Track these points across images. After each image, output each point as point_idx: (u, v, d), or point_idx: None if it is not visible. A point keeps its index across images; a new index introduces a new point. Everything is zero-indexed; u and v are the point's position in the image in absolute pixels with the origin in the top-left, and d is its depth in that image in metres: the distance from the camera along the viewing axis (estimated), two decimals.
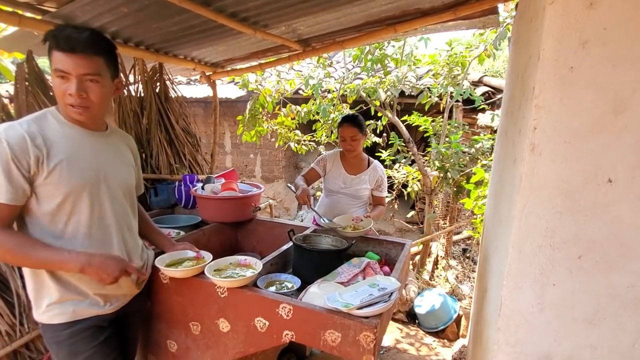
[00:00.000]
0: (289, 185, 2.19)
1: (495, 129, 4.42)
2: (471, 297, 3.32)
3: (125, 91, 2.53)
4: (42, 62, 2.00)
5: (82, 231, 1.21)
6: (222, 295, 1.41)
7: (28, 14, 1.73)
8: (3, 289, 1.75)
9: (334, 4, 1.78)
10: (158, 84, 2.73)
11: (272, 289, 1.52)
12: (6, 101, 1.88)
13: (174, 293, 1.53)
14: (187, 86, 6.63)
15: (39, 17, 1.75)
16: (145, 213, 1.65)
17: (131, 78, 2.60)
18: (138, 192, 1.56)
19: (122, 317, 1.39)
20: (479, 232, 2.81)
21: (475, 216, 2.98)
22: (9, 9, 1.64)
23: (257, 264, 1.51)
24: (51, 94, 2.01)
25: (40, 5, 1.74)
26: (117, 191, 1.31)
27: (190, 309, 1.51)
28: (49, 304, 1.20)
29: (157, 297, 1.59)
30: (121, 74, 1.80)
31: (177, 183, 2.56)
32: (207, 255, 1.56)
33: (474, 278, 3.82)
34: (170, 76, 2.85)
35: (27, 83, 1.86)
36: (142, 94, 2.64)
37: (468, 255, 4.38)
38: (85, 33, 1.09)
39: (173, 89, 2.84)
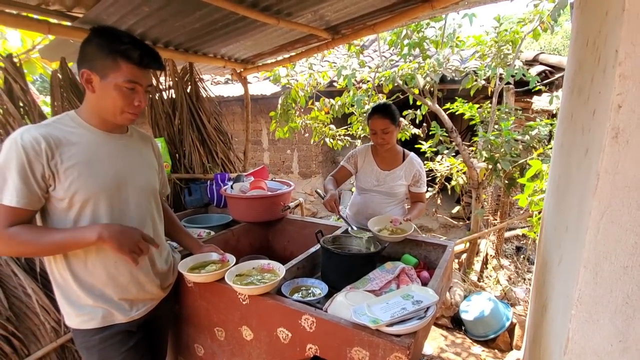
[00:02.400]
0: (317, 191, 2.02)
1: (554, 112, 3.94)
2: (526, 302, 2.98)
3: (157, 93, 2.56)
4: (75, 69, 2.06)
5: None
6: (244, 302, 1.34)
7: (58, 22, 1.76)
8: (48, 287, 1.84)
9: None
10: (189, 84, 2.74)
11: (298, 295, 1.41)
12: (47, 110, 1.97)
13: (199, 297, 1.49)
14: (225, 85, 6.76)
15: (68, 24, 1.78)
16: (173, 213, 1.63)
17: (162, 80, 2.63)
18: (164, 193, 1.53)
19: (151, 321, 1.38)
20: (535, 232, 2.49)
21: (531, 212, 2.65)
22: (39, 17, 1.68)
23: (280, 269, 1.41)
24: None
25: (69, 12, 1.77)
26: (140, 195, 1.28)
27: (214, 314, 1.46)
28: (77, 309, 1.20)
29: (183, 300, 1.57)
30: None
31: (209, 182, 2.56)
32: (232, 259, 1.49)
33: (529, 280, 3.44)
34: (201, 76, 2.85)
35: (61, 89, 1.92)
36: (174, 95, 2.66)
37: (523, 254, 3.96)
38: (154, 50, 1.18)
39: (204, 88, 2.84)
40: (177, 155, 2.69)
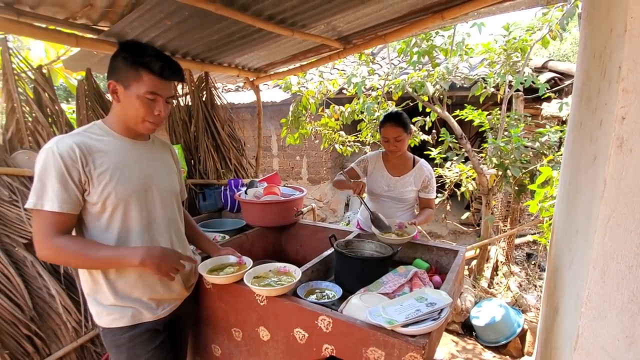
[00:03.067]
0: (341, 173, 2.09)
1: (564, 119, 3.94)
2: (538, 309, 2.97)
3: (174, 101, 2.65)
4: (100, 80, 2.16)
5: (133, 238, 1.26)
6: (262, 304, 1.38)
7: (85, 35, 1.86)
8: (70, 288, 1.91)
9: None
10: (204, 92, 2.83)
11: (313, 297, 1.46)
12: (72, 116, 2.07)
13: (217, 299, 1.54)
14: (236, 93, 6.88)
15: (94, 37, 1.88)
16: (191, 218, 1.69)
17: (179, 89, 2.72)
18: (182, 197, 1.60)
19: (174, 320, 1.43)
20: (546, 238, 2.49)
21: (541, 219, 2.65)
22: (68, 30, 1.78)
23: (296, 272, 1.46)
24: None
25: (95, 26, 1.87)
26: (165, 198, 1.35)
27: (232, 315, 1.51)
28: (108, 309, 1.26)
29: (202, 302, 1.62)
30: None
31: (223, 188, 2.62)
32: (249, 262, 1.54)
33: (540, 287, 3.42)
34: (215, 84, 2.94)
35: (86, 99, 2.01)
36: (190, 103, 2.75)
37: (534, 261, 3.94)
38: (176, 63, 1.24)
39: (218, 96, 2.93)
40: (192, 161, 2.77)
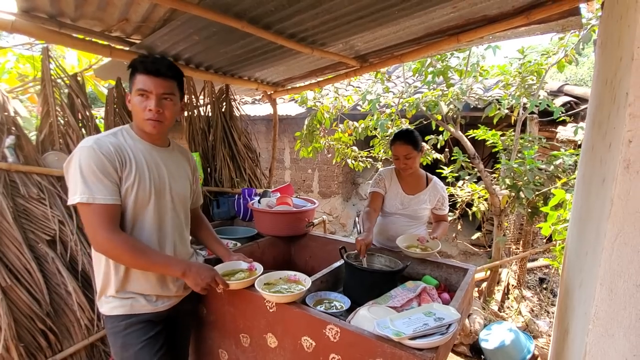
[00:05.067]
0: (356, 222, 2.04)
1: (579, 143, 3.92)
2: (549, 336, 2.89)
3: (195, 111, 2.76)
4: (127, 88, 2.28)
5: (144, 236, 1.33)
6: (271, 310, 1.41)
7: (118, 46, 1.98)
8: (86, 286, 1.97)
9: (392, 18, 1.75)
10: (224, 103, 2.94)
11: (321, 307, 1.48)
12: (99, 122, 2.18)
13: (226, 303, 1.57)
14: (252, 105, 7.06)
15: (126, 48, 2.00)
16: (208, 223, 1.75)
17: (200, 99, 2.84)
18: (197, 203, 1.67)
19: (174, 316, 1.49)
20: (559, 262, 2.46)
21: (554, 242, 2.62)
22: (103, 42, 1.90)
23: (307, 281, 1.48)
24: None
25: (127, 38, 2.00)
26: (176, 202, 1.43)
27: (241, 320, 1.53)
28: (111, 298, 1.33)
29: (211, 305, 1.65)
30: (186, 96, 1.95)
31: (236, 196, 2.69)
32: (260, 268, 1.58)
33: (553, 313, 3.33)
34: (234, 96, 3.05)
35: (115, 105, 2.12)
36: (210, 113, 2.86)
37: (546, 286, 3.85)
38: (166, 61, 1.31)
39: (237, 108, 3.03)
40: (208, 169, 2.85)
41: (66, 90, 2.01)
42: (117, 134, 1.32)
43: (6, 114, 1.77)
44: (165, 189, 1.37)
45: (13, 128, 1.79)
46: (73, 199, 1.18)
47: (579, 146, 3.94)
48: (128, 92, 1.32)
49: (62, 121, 1.96)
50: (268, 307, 1.41)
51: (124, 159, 1.25)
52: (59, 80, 1.97)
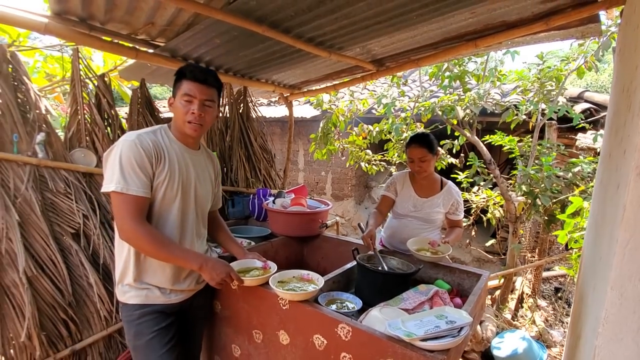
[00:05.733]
0: (359, 224, 2.07)
1: (598, 150, 3.83)
2: (563, 346, 2.83)
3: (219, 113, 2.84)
4: (152, 90, 2.37)
5: (167, 230, 1.41)
6: (284, 307, 1.44)
7: (143, 49, 2.07)
8: (106, 279, 2.05)
9: (410, 23, 1.77)
10: (242, 105, 3.00)
11: (333, 307, 1.50)
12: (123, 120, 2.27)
13: (241, 299, 1.62)
14: (268, 107, 7.15)
15: (150, 51, 2.08)
16: (225, 225, 1.82)
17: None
18: (216, 205, 1.74)
19: (187, 309, 1.55)
20: (574, 270, 2.41)
21: (570, 250, 2.57)
22: (129, 44, 1.99)
23: (319, 280, 1.51)
24: (158, 115, 2.37)
25: (152, 41, 2.08)
26: (198, 202, 1.51)
27: (255, 316, 1.57)
28: (128, 287, 1.40)
29: (226, 301, 1.70)
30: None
31: (251, 196, 2.74)
32: (274, 266, 1.61)
33: (567, 323, 3.25)
34: (252, 98, 3.11)
35: (139, 106, 2.21)
36: (228, 114, 2.93)
37: (561, 295, 3.77)
38: (212, 72, 1.43)
39: (254, 109, 3.09)
40: (225, 169, 2.92)
41: (93, 90, 2.11)
42: (157, 132, 1.41)
43: (38, 111, 1.87)
44: (191, 189, 1.45)
45: (44, 125, 1.88)
46: (108, 186, 1.26)
47: (599, 154, 3.85)
48: (171, 96, 1.43)
49: (88, 119, 2.05)
50: (281, 305, 1.45)
51: (160, 156, 1.34)
52: (86, 81, 2.06)
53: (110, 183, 1.26)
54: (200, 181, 1.51)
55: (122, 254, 1.40)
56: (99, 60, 3.28)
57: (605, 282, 0.74)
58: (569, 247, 2.29)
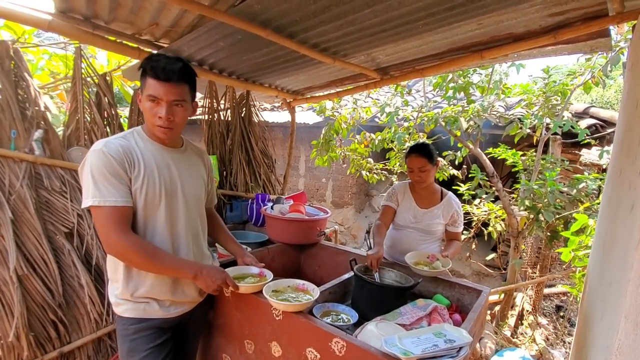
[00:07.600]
0: (366, 237, 1.98)
1: (604, 167, 3.79)
2: None
3: (215, 115, 2.81)
4: None
5: (157, 238, 1.31)
6: (277, 318, 1.39)
7: (147, 49, 2.05)
8: (98, 280, 2.00)
9: (416, 32, 1.75)
10: (244, 109, 2.98)
11: (328, 319, 1.45)
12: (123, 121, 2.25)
13: (234, 307, 1.57)
14: (271, 112, 7.15)
15: (154, 51, 2.07)
16: (222, 222, 1.76)
17: (221, 103, 2.89)
18: (210, 203, 1.65)
19: (184, 323, 1.47)
20: (578, 289, 2.35)
21: (573, 268, 2.51)
22: (133, 44, 1.97)
23: (315, 291, 1.47)
24: None
25: (156, 42, 2.06)
26: (190, 203, 1.41)
27: (247, 326, 1.52)
28: (124, 300, 1.32)
29: (218, 308, 1.65)
30: (207, 100, 1.96)
31: (250, 201, 2.70)
32: (269, 274, 1.57)
33: (569, 343, 3.18)
34: (254, 102, 3.10)
35: (139, 106, 2.19)
36: (229, 118, 2.91)
37: (563, 314, 3.69)
38: (178, 65, 1.22)
39: (256, 114, 3.07)
40: (224, 172, 2.89)
41: (95, 89, 2.09)
42: (128, 136, 1.31)
43: (37, 108, 1.85)
44: (177, 190, 1.35)
45: (42, 122, 1.86)
46: (85, 202, 1.19)
47: (604, 170, 3.81)
48: (139, 91, 1.28)
49: (88, 118, 2.03)
50: (275, 315, 1.40)
51: (132, 161, 1.24)
52: (88, 79, 2.05)
53: (87, 198, 1.18)
54: (188, 180, 1.40)
55: (111, 266, 1.33)
56: (103, 59, 3.28)
57: (617, 310, 0.69)
58: (573, 265, 2.24)
